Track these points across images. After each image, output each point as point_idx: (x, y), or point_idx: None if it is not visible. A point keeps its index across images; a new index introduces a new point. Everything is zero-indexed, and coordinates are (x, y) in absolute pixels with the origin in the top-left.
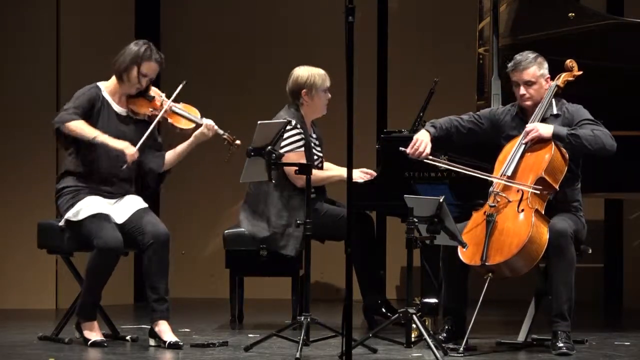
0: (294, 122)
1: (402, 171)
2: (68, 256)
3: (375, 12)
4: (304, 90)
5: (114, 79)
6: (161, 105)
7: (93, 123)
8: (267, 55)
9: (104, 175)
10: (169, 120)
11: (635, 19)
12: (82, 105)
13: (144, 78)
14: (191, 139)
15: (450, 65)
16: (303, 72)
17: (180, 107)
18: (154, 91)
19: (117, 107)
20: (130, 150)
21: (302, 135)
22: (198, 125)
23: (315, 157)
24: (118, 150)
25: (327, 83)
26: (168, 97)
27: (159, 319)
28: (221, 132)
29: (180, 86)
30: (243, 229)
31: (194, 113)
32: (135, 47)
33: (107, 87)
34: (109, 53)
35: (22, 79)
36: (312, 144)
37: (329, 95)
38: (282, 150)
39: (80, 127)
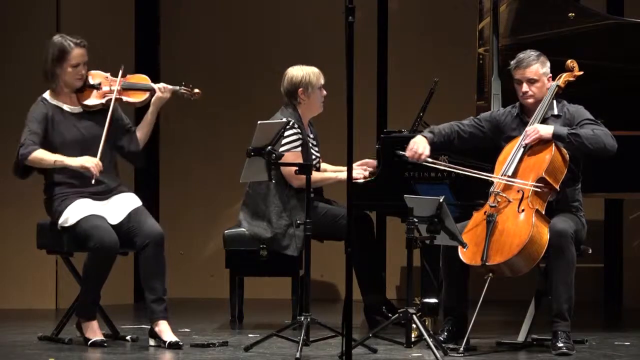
0: (291, 122)
1: (402, 171)
2: (68, 256)
3: (375, 12)
4: (300, 89)
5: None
6: (110, 88)
7: (52, 135)
8: (267, 55)
9: (85, 179)
10: (124, 99)
11: (635, 19)
12: (35, 130)
13: (76, 68)
14: (151, 107)
15: (450, 65)
16: (297, 71)
17: (130, 81)
18: (98, 76)
19: (70, 108)
20: (90, 163)
21: (300, 136)
22: (152, 92)
23: (314, 157)
24: (79, 168)
25: (322, 80)
26: (114, 76)
27: (158, 319)
28: (177, 87)
29: (122, 67)
30: (243, 229)
31: (144, 81)
32: (50, 46)
33: (52, 93)
34: (109, 53)
35: (22, 78)
36: (310, 144)
37: (325, 92)
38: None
39: (40, 157)
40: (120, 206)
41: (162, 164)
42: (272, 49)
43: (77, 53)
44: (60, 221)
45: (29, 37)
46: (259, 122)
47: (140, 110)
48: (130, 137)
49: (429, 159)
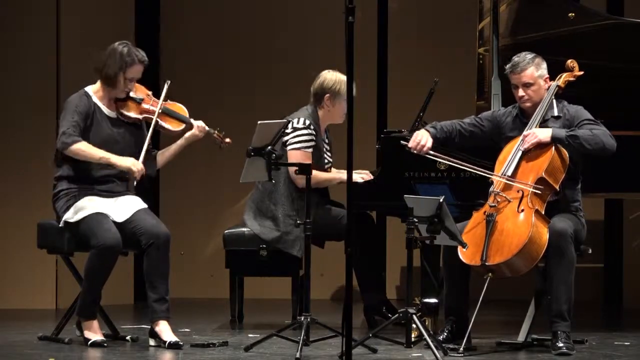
0: (307, 122)
1: (402, 171)
2: (68, 256)
3: (375, 12)
4: (328, 95)
5: (100, 83)
6: (151, 106)
7: (89, 131)
8: (267, 55)
9: (99, 177)
10: (161, 122)
11: (635, 19)
12: (79, 121)
13: (130, 82)
14: (182, 140)
15: (450, 65)
16: (331, 76)
17: (171, 109)
18: (141, 91)
19: (107, 111)
20: (137, 166)
21: (314, 137)
22: (188, 126)
23: (326, 161)
24: (124, 168)
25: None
26: (155, 95)
27: (159, 319)
28: (212, 131)
29: (166, 86)
30: (243, 229)
31: (184, 113)
32: (116, 53)
33: (95, 91)
34: None
35: (22, 79)
36: (324, 148)
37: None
38: (289, 147)
39: (84, 149)
40: (126, 205)
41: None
42: (272, 49)
43: (137, 69)
44: (65, 217)
45: (29, 37)
46: (259, 122)
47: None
48: (151, 159)
49: (431, 152)
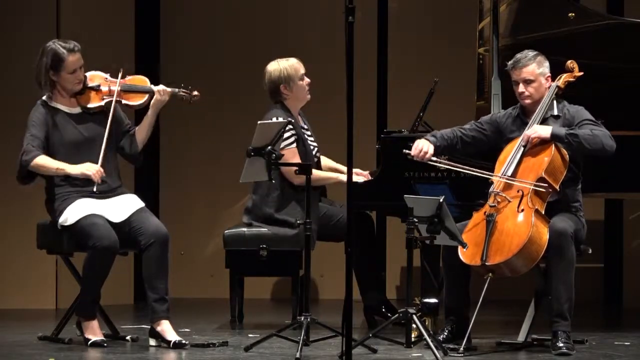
0: (282, 119)
1: (402, 171)
2: (68, 256)
3: (375, 12)
4: (282, 85)
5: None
6: (109, 89)
7: (53, 138)
8: (267, 55)
9: (86, 180)
10: (124, 101)
11: (635, 19)
12: (36, 134)
13: (74, 74)
14: (150, 110)
15: (450, 65)
16: (273, 67)
17: (129, 84)
18: (96, 77)
19: (70, 110)
20: (92, 170)
21: (294, 132)
22: (151, 95)
23: (312, 147)
24: (79, 175)
25: (302, 70)
26: (113, 77)
27: (160, 318)
28: (176, 90)
29: (121, 70)
30: (244, 229)
31: (143, 83)
32: (45, 56)
33: (50, 96)
34: (109, 53)
35: (22, 79)
36: (305, 135)
37: (308, 80)
38: None
39: (41, 163)
40: (122, 206)
41: (163, 164)
42: (272, 49)
43: (72, 59)
44: (60, 220)
45: (29, 37)
46: (259, 122)
47: (140, 111)
48: (131, 138)
49: (433, 158)
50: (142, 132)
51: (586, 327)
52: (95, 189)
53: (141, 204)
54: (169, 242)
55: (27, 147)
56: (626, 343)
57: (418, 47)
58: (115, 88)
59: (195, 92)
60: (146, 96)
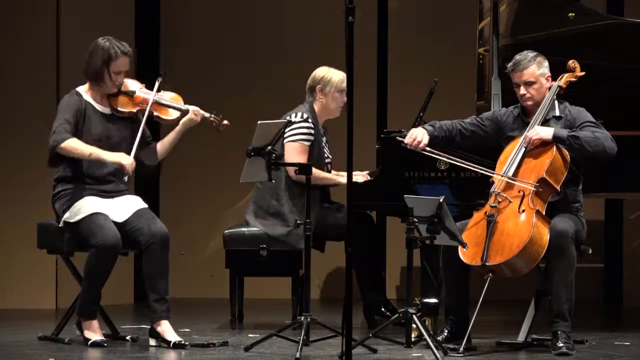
0: (305, 116)
1: (402, 171)
2: (68, 256)
3: (375, 12)
4: (319, 86)
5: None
6: (143, 99)
7: (81, 129)
8: (268, 55)
9: (98, 177)
10: (155, 113)
11: (635, 19)
12: (70, 119)
13: (117, 75)
14: (179, 127)
15: (450, 65)
16: (322, 69)
17: (164, 98)
18: (132, 84)
19: (100, 108)
20: (127, 160)
21: (313, 131)
22: (183, 114)
23: (325, 155)
24: (115, 163)
25: (344, 85)
26: (148, 88)
27: (160, 318)
28: (207, 114)
29: (159, 79)
30: (244, 229)
31: (178, 101)
32: (98, 49)
33: (86, 90)
34: None
35: (22, 78)
36: (323, 144)
37: (345, 99)
38: (286, 140)
39: (74, 146)
40: (126, 205)
41: (163, 164)
42: (272, 49)
43: (122, 61)
44: (65, 217)
45: (29, 37)
46: (259, 122)
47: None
48: (149, 150)
49: (428, 148)
50: (164, 147)
51: (586, 327)
52: (125, 179)
53: (143, 205)
54: (169, 242)
55: (59, 128)
56: (626, 343)
57: (418, 47)
58: (151, 97)
59: (226, 122)
60: (178, 114)
